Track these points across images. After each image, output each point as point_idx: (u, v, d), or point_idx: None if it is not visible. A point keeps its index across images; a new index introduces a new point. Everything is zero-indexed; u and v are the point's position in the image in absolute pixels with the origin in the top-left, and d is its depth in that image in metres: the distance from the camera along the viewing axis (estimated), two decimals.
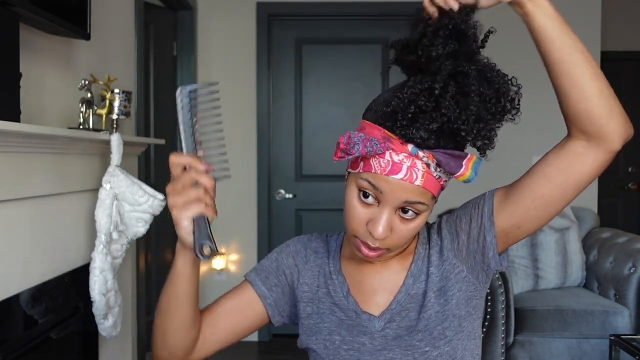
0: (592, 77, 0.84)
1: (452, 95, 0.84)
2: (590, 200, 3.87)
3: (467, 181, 0.88)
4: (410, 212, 0.90)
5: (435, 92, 0.84)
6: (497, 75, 0.87)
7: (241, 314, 1.06)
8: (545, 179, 0.89)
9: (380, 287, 1.01)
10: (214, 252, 0.89)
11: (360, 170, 0.90)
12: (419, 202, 0.89)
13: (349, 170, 0.94)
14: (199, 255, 0.89)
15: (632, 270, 2.97)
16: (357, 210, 0.91)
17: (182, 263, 0.96)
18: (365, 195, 0.90)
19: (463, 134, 0.85)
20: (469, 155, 0.87)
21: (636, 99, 5.16)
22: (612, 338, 2.47)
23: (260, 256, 3.95)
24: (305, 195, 4.00)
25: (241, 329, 1.06)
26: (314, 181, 4.01)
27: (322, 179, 3.98)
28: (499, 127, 0.89)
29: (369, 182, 0.89)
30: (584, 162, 0.87)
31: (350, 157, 0.87)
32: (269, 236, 3.98)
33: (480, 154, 0.90)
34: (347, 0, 3.92)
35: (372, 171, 0.88)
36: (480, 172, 0.89)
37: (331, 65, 3.98)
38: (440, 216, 1.07)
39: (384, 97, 0.92)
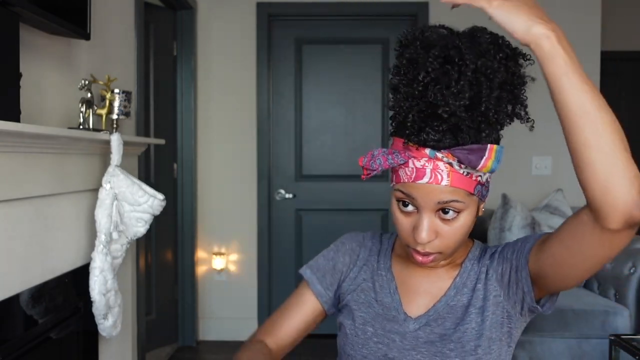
0: (591, 145, 0.77)
1: (440, 88, 0.86)
2: None
3: (491, 171, 0.89)
4: (450, 212, 0.92)
5: (424, 91, 0.86)
6: (487, 52, 0.87)
7: (301, 316, 1.13)
8: (559, 239, 0.89)
9: (424, 290, 1.04)
10: None
11: (394, 183, 0.95)
12: (453, 201, 0.90)
13: (390, 184, 0.98)
14: None
15: (632, 271, 2.97)
16: (401, 221, 0.96)
17: None
18: (405, 205, 0.94)
19: (466, 123, 0.87)
20: (489, 147, 0.87)
21: (636, 99, 5.17)
22: (612, 338, 2.47)
23: (261, 256, 3.95)
24: (305, 195, 4.00)
25: (305, 329, 1.14)
26: (314, 181, 4.01)
27: (322, 179, 3.98)
28: (506, 107, 0.89)
29: (402, 192, 0.93)
30: (584, 231, 0.83)
31: (374, 172, 0.93)
32: (269, 236, 3.98)
33: (522, 122, 0.92)
34: (347, 0, 3.92)
35: (402, 181, 0.92)
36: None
37: (331, 65, 3.98)
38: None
39: (394, 108, 0.95)
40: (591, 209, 0.80)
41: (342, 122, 3.97)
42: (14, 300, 1.68)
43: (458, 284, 1.02)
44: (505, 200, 3.27)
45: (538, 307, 0.97)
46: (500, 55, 0.87)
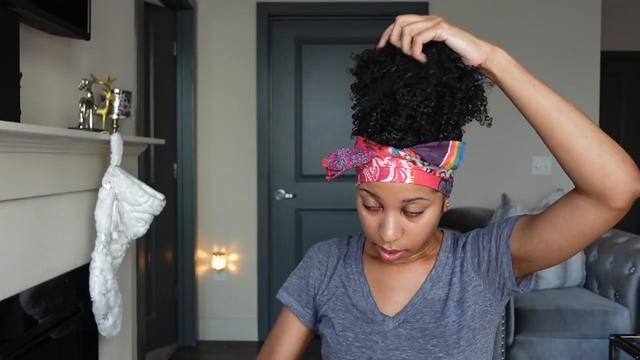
0: (577, 135, 0.81)
1: (409, 91, 0.86)
2: None
3: (454, 168, 0.89)
4: (415, 210, 0.92)
5: (391, 89, 0.86)
6: (447, 58, 0.87)
7: (291, 341, 1.15)
8: (551, 225, 0.89)
9: (400, 287, 1.05)
10: None
11: (358, 182, 0.95)
12: (418, 198, 0.91)
13: (356, 183, 0.97)
14: None
15: (632, 270, 2.97)
16: (367, 220, 0.96)
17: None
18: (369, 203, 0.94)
19: (426, 125, 0.87)
20: (451, 143, 0.88)
21: (636, 98, 5.17)
22: (612, 338, 2.47)
23: (261, 256, 3.95)
24: (305, 195, 4.00)
25: (299, 352, 1.16)
26: (314, 181, 4.01)
27: (322, 179, 3.97)
28: (466, 117, 0.89)
29: (367, 191, 0.93)
30: (584, 216, 0.85)
31: (338, 172, 0.93)
32: (269, 236, 3.98)
33: (482, 124, 0.92)
34: (347, 0, 3.92)
35: (366, 180, 0.93)
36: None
37: (331, 65, 3.98)
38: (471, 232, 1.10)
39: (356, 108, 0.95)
40: (592, 195, 0.82)
41: (342, 122, 3.96)
42: (14, 300, 1.68)
43: (433, 277, 1.02)
44: (505, 200, 3.27)
45: (518, 289, 0.98)
46: (460, 73, 0.87)
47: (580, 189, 0.85)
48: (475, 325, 0.99)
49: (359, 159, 0.91)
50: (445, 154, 0.87)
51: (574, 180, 0.84)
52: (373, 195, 0.93)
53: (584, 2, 3.85)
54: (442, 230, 1.09)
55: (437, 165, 0.88)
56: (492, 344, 1.04)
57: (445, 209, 0.98)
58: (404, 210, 0.93)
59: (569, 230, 0.87)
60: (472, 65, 0.87)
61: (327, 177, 0.95)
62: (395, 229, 0.92)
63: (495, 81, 0.87)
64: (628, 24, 4.90)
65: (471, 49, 0.85)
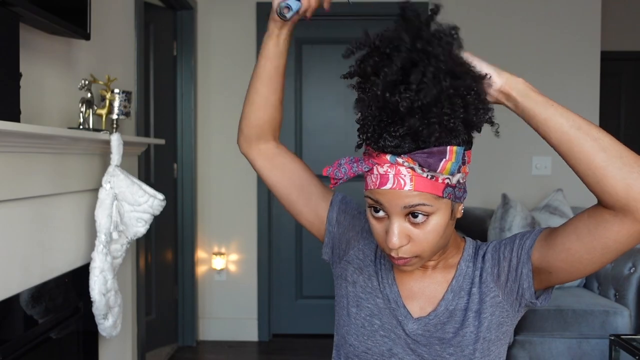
0: (596, 149, 0.82)
1: (405, 88, 0.85)
2: (589, 200, 3.86)
3: (451, 173, 0.88)
4: (420, 216, 0.91)
5: (384, 95, 0.87)
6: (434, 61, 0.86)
7: (308, 191, 1.17)
8: (575, 235, 0.89)
9: (420, 291, 1.04)
10: (291, 11, 1.05)
11: (365, 190, 0.95)
12: (420, 204, 0.90)
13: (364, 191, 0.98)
14: (280, 15, 1.05)
15: (632, 270, 2.97)
16: (375, 227, 0.96)
17: (267, 36, 1.12)
18: (376, 211, 0.94)
19: (424, 131, 0.86)
20: (449, 149, 0.87)
21: (636, 98, 5.17)
22: (612, 338, 2.47)
23: (260, 256, 3.95)
24: None
25: (297, 198, 1.17)
26: None
27: (322, 180, 3.97)
28: (461, 113, 0.88)
29: (371, 198, 0.94)
30: (608, 228, 0.85)
31: (340, 180, 0.94)
32: (269, 236, 3.98)
33: (477, 128, 0.92)
34: (346, 0, 3.92)
35: (369, 188, 0.93)
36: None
37: (331, 66, 3.98)
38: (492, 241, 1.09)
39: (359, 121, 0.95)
40: (616, 208, 0.82)
41: (342, 123, 3.97)
42: (14, 300, 1.68)
43: (455, 288, 1.02)
44: (505, 200, 3.27)
45: (537, 302, 0.97)
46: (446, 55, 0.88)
47: (604, 204, 0.84)
48: (491, 337, 0.99)
49: (360, 166, 0.92)
50: (442, 160, 0.86)
51: (598, 196, 0.84)
52: (376, 202, 0.92)
53: (584, 2, 3.86)
54: (464, 238, 1.07)
55: (435, 171, 0.87)
56: (505, 356, 1.04)
57: (459, 215, 0.97)
58: (408, 217, 0.92)
59: (592, 242, 0.86)
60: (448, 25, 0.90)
61: (330, 186, 0.96)
62: (399, 236, 0.92)
63: (515, 105, 0.89)
64: (628, 24, 4.90)
65: (492, 70, 0.90)
